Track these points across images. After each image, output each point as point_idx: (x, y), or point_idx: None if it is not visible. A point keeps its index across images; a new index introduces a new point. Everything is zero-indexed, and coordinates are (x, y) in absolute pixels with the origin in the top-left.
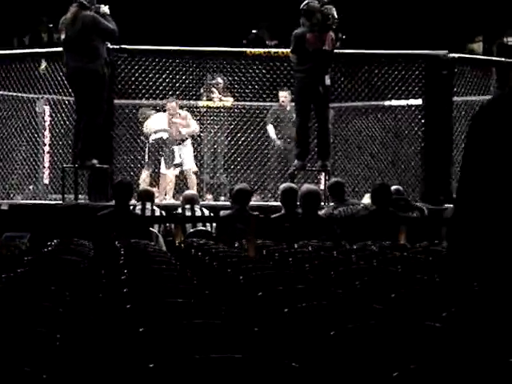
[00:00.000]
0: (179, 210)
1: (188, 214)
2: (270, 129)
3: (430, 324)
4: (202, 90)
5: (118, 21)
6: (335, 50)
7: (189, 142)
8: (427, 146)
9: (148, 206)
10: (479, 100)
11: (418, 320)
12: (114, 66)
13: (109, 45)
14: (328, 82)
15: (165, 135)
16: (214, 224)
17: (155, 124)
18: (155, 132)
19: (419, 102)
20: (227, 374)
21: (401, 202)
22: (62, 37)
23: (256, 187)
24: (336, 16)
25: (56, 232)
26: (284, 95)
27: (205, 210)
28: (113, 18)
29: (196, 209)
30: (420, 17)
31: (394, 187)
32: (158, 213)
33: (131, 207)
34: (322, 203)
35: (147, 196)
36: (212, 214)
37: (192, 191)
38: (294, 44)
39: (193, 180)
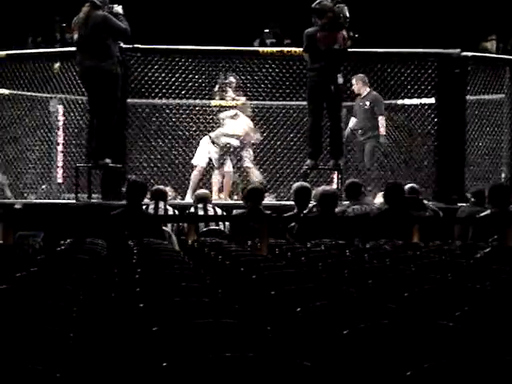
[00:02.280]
0: (192, 210)
1: (200, 213)
2: (350, 121)
3: (444, 323)
4: (215, 89)
5: (131, 20)
6: (348, 49)
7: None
8: (440, 145)
9: (161, 205)
10: (492, 99)
11: (431, 319)
12: (127, 66)
13: (122, 44)
14: (341, 80)
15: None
16: (227, 223)
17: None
18: (227, 135)
19: (432, 100)
20: (240, 372)
21: (414, 201)
22: (75, 36)
23: (269, 186)
24: (348, 15)
25: (69, 231)
26: (354, 82)
27: (217, 208)
28: (126, 18)
29: (209, 208)
30: (433, 15)
31: (409, 185)
32: (171, 212)
33: (144, 206)
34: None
35: (160, 195)
36: (224, 213)
37: (204, 190)
38: (306, 43)
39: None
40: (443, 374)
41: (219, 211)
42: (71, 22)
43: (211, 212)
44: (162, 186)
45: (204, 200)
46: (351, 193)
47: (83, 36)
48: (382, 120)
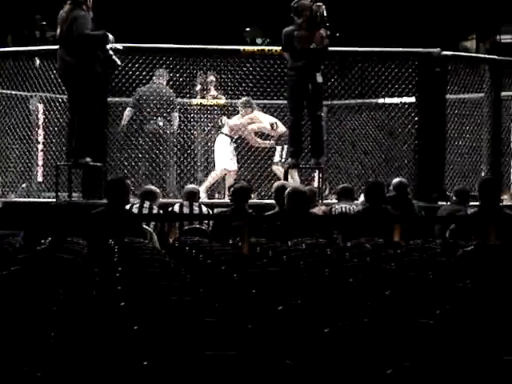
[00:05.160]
0: (175, 207)
1: (186, 210)
2: None
3: (424, 321)
4: (197, 88)
5: (113, 19)
6: (327, 48)
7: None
8: (420, 144)
9: (146, 204)
10: (472, 98)
11: (411, 317)
12: (108, 64)
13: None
14: (320, 79)
15: None
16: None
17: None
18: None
19: (412, 99)
20: (221, 371)
21: (400, 200)
22: (57, 33)
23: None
24: (325, 14)
25: (50, 230)
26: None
27: (203, 207)
28: (107, 16)
29: (194, 206)
30: (413, 15)
31: (397, 180)
32: (155, 211)
33: (129, 205)
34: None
35: (147, 195)
36: (210, 212)
37: (193, 185)
38: (284, 42)
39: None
40: (424, 373)
41: (204, 209)
42: (54, 20)
43: (196, 210)
44: (152, 187)
45: (192, 196)
46: (343, 196)
47: (64, 34)
48: None
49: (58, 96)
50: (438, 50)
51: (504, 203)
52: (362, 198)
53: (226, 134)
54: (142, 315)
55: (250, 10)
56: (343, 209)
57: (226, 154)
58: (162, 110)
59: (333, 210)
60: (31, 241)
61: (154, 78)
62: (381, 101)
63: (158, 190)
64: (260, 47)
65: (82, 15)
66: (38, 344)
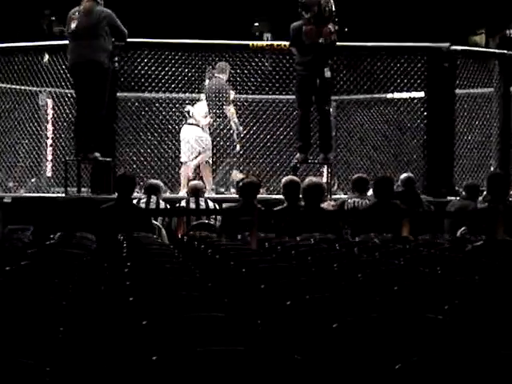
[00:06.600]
0: (183, 203)
1: (192, 206)
2: None
3: (433, 316)
4: (206, 83)
5: (123, 14)
6: (336, 43)
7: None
8: (429, 139)
9: (153, 199)
10: (481, 92)
11: (420, 312)
12: (119, 60)
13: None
14: (328, 74)
15: None
16: (219, 217)
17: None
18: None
19: (421, 94)
20: (230, 366)
21: (409, 195)
22: (72, 26)
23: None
24: (333, 9)
25: (59, 225)
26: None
27: (210, 202)
28: (116, 11)
29: (201, 201)
30: (422, 9)
31: (405, 175)
32: (162, 206)
33: (136, 200)
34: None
35: (153, 189)
36: (217, 206)
37: (198, 181)
38: (292, 37)
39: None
40: (432, 368)
41: (211, 204)
42: (67, 15)
43: (203, 205)
44: (156, 181)
45: (197, 192)
46: (358, 187)
47: (81, 28)
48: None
49: (67, 91)
50: (447, 44)
51: None
52: (370, 192)
53: (191, 124)
54: (150, 310)
55: (258, 4)
56: (356, 203)
57: (184, 147)
58: (215, 106)
59: (345, 204)
60: (40, 236)
61: (215, 72)
62: (390, 96)
63: (161, 184)
64: (268, 42)
65: (112, 13)
66: (47, 339)
